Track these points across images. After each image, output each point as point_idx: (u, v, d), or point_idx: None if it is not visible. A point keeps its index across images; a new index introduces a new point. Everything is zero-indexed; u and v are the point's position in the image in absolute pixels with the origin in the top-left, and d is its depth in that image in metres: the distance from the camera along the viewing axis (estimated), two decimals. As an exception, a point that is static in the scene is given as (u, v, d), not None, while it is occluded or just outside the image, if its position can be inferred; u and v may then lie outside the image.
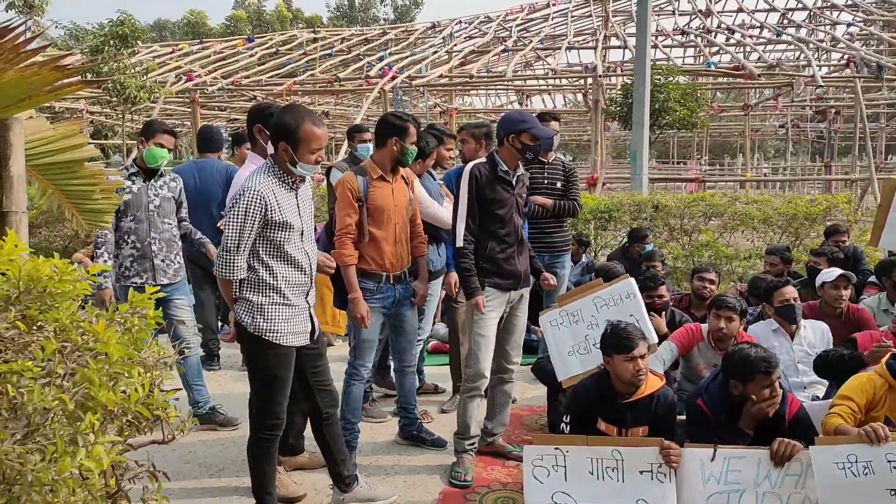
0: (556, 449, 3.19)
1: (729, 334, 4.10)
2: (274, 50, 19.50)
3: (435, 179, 4.80)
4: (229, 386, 5.33)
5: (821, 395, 4.10)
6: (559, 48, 16.54)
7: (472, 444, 3.89)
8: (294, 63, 18.04)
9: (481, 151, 4.71)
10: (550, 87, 21.21)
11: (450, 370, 5.12)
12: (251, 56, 18.43)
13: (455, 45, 17.82)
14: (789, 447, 3.02)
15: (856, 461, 2.86)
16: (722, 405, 3.32)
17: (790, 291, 4.56)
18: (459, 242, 3.76)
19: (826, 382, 4.17)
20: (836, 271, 4.76)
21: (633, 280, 4.20)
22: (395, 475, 3.86)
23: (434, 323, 5.84)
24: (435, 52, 16.83)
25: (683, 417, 3.56)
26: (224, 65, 17.26)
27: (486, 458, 4.02)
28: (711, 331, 4.19)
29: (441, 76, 14.07)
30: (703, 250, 7.95)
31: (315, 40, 20.38)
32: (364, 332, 3.82)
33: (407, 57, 16.15)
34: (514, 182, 3.84)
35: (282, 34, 22.65)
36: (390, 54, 16.95)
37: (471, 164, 3.86)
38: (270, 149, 3.13)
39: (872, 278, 5.57)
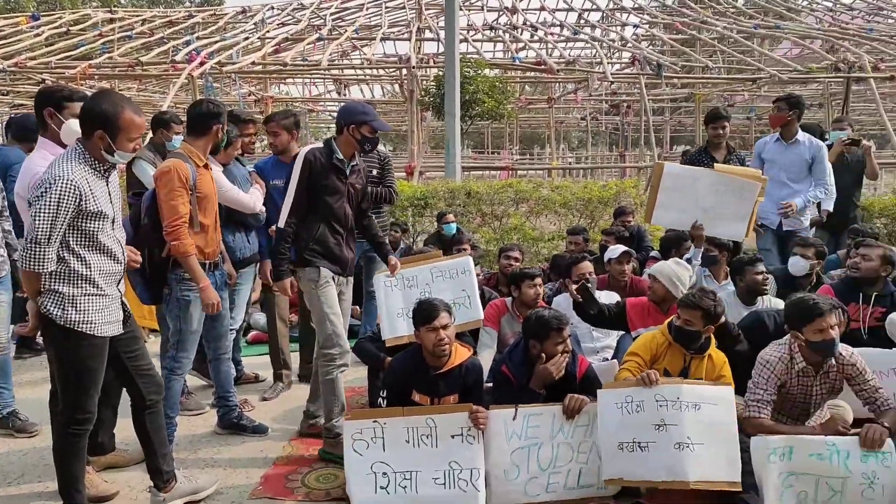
0: (374, 422, 3.35)
1: (536, 299, 4.50)
2: (64, 30, 17.86)
3: (244, 166, 4.74)
4: (26, 391, 4.94)
5: (609, 357, 4.61)
6: (374, 38, 16.69)
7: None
8: (88, 45, 16.66)
9: (293, 142, 4.73)
10: (368, 77, 21.35)
11: (270, 359, 5.11)
12: (37, 36, 16.76)
13: (267, 31, 17.36)
14: (579, 401, 3.41)
15: (632, 401, 3.32)
16: (524, 369, 3.65)
17: (586, 267, 5.09)
18: (281, 224, 3.79)
19: (614, 346, 4.70)
20: (620, 248, 5.35)
21: (470, 258, 4.46)
22: (216, 465, 3.83)
23: (249, 312, 5.79)
24: (246, 39, 16.29)
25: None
26: (5, 45, 15.58)
27: (308, 440, 4.10)
28: (524, 300, 4.56)
29: (254, 63, 13.68)
30: (513, 233, 8.49)
31: (112, 21, 18.92)
32: (191, 323, 3.78)
33: (216, 42, 15.51)
34: (347, 171, 3.90)
35: (73, 12, 20.79)
36: (198, 39, 16.19)
37: (307, 147, 3.87)
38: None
39: (654, 252, 6.29)
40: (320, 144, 3.91)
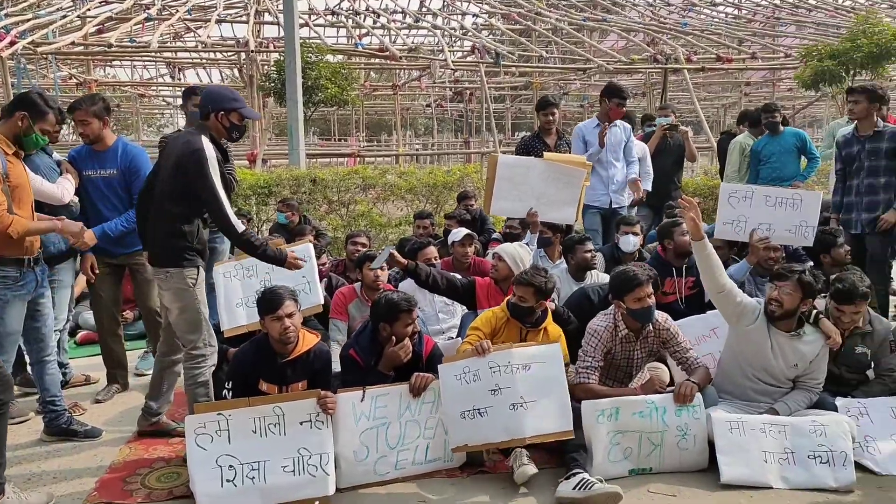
0: (218, 415, 3.27)
1: (382, 283, 4.56)
2: None
3: (50, 156, 4.36)
4: None
5: (454, 337, 4.77)
6: (209, 20, 15.96)
7: None
8: None
9: (105, 129, 4.41)
10: (204, 61, 20.38)
11: (102, 359, 4.81)
12: None
13: (89, 9, 16.09)
14: (424, 380, 3.53)
15: (469, 371, 3.48)
16: (372, 352, 3.70)
17: (431, 251, 5.22)
18: (240, 228, 3.48)
19: (457, 324, 4.88)
20: (463, 231, 5.52)
21: (310, 245, 4.39)
22: (44, 476, 3.57)
23: (76, 311, 5.43)
24: (64, 17, 15.02)
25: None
26: None
27: (147, 440, 3.92)
28: (367, 283, 4.62)
29: (73, 44, 12.65)
30: (360, 220, 8.50)
31: None
32: (8, 324, 3.52)
33: (29, 20, 14.17)
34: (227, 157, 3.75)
35: None
36: (6, 16, 14.71)
37: (198, 138, 3.47)
38: None
39: (496, 235, 6.55)
40: (197, 133, 3.54)
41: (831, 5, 22.82)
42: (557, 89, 21.47)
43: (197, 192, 3.44)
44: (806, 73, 11.27)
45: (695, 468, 3.50)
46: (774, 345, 3.68)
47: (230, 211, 3.48)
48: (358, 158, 16.38)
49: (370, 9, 20.55)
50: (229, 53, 16.71)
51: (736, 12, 23.04)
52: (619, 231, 5.20)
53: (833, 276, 4.04)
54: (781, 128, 6.97)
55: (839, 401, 3.74)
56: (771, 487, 3.32)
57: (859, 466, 3.41)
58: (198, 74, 23.99)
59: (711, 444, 3.46)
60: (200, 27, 16.84)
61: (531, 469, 3.31)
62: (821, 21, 19.97)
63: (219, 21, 16.45)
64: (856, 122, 5.29)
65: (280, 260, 3.60)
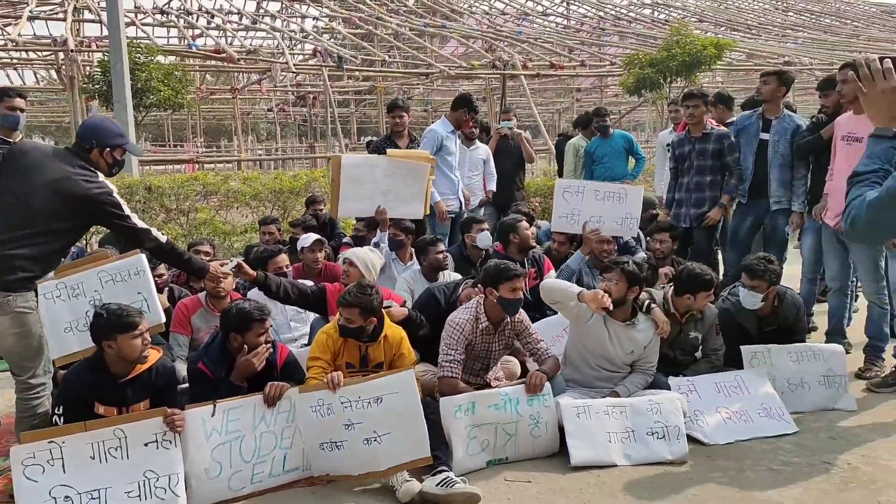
0: (49, 443, 3.00)
1: (215, 287, 4.36)
2: None
3: None
4: None
5: (306, 344, 4.68)
6: (20, 17, 14.57)
7: None
8: None
9: None
10: (16, 61, 18.59)
11: None
12: None
13: None
14: (278, 388, 3.42)
15: (323, 404, 3.39)
16: (222, 363, 3.54)
17: (283, 259, 5.09)
18: (163, 238, 3.54)
19: (308, 331, 4.79)
20: (312, 236, 5.43)
21: (143, 256, 4.08)
22: None
23: None
24: None
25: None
26: None
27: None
28: (211, 292, 4.41)
29: None
30: (202, 228, 8.12)
31: None
32: None
33: None
34: None
35: None
36: None
37: (102, 177, 3.49)
38: None
39: (346, 239, 6.49)
40: (87, 167, 3.47)
41: (648, 17, 24.79)
42: (401, 93, 21.68)
43: (97, 224, 3.53)
44: (629, 80, 12.16)
45: (547, 453, 3.66)
46: (612, 334, 3.94)
47: (144, 224, 3.58)
48: (196, 165, 15.63)
49: (203, 9, 19.68)
50: (45, 53, 15.37)
51: (565, 22, 24.43)
52: (471, 230, 5.34)
53: (693, 266, 4.34)
54: (611, 130, 7.47)
55: (671, 380, 4.06)
56: (615, 465, 3.54)
57: (690, 439, 3.72)
58: (8, 76, 21.86)
59: (561, 430, 3.64)
60: (10, 24, 15.35)
61: (415, 486, 3.28)
62: (640, 32, 21.65)
63: (31, 18, 15.08)
64: (688, 126, 5.77)
65: (203, 271, 3.57)
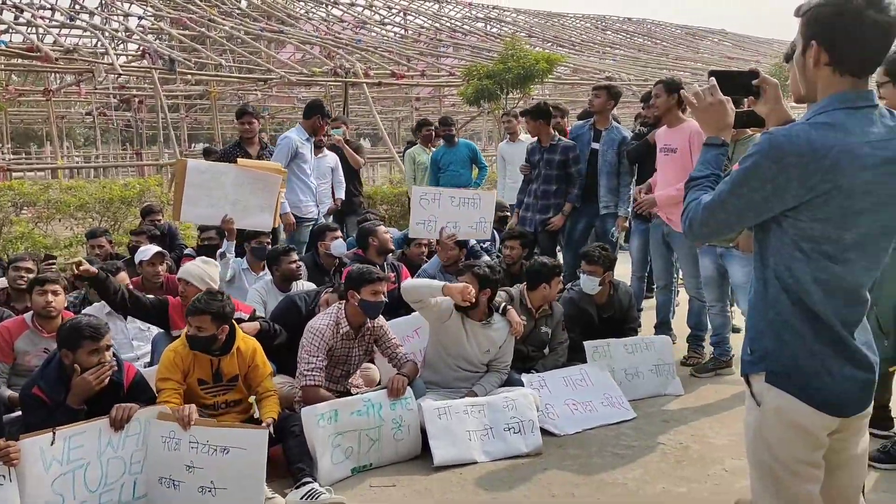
0: None
1: (46, 307, 4.02)
2: None
3: None
4: None
5: (149, 361, 4.42)
6: None
7: None
8: None
9: None
10: None
11: None
12: None
13: None
14: (128, 410, 3.21)
15: (173, 437, 3.22)
16: (61, 386, 3.27)
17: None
18: None
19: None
20: (153, 248, 5.14)
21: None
22: None
23: None
24: None
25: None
26: None
27: None
28: (39, 310, 4.04)
29: None
30: (19, 243, 7.40)
31: None
32: None
33: None
34: None
35: None
36: None
37: None
38: None
39: (188, 250, 6.19)
40: None
41: (482, 31, 25.76)
42: (237, 99, 20.95)
43: None
44: (468, 91, 12.57)
45: (410, 456, 3.73)
46: (469, 334, 4.08)
47: None
48: (4, 173, 14.17)
49: (9, 2, 17.90)
50: None
51: (403, 32, 24.79)
52: (325, 238, 5.29)
53: (540, 258, 4.73)
54: (456, 139, 7.72)
55: (524, 377, 4.28)
56: (476, 462, 3.67)
57: (543, 431, 3.93)
58: None
59: (423, 432, 3.71)
60: None
61: (279, 502, 3.20)
62: (474, 45, 22.44)
63: None
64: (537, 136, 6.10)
65: None
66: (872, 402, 1.84)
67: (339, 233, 5.34)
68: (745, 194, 1.73)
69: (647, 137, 5.45)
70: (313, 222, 6.20)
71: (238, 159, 5.54)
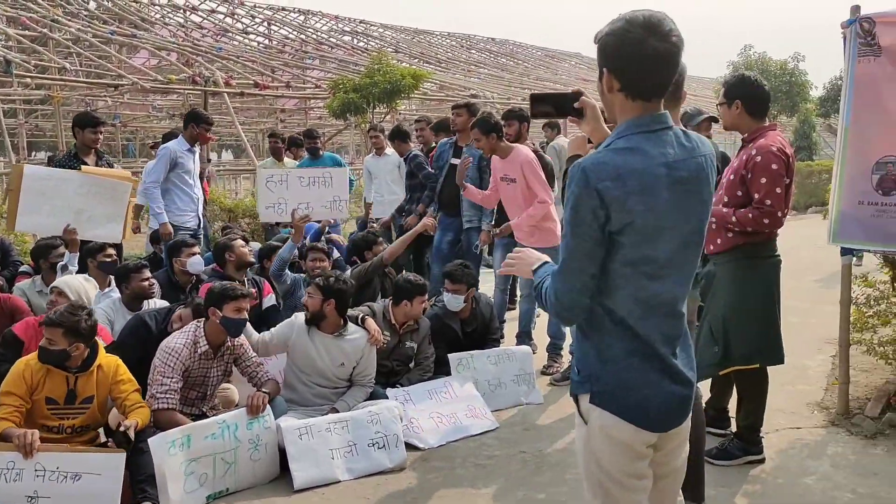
0: None
1: None
2: None
3: None
4: None
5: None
6: None
7: None
8: None
9: None
10: None
11: None
12: None
13: None
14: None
15: (13, 468, 2.94)
16: None
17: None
18: None
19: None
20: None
21: None
22: None
23: None
24: None
25: None
26: None
27: None
28: None
29: None
30: None
31: None
32: None
33: None
34: None
35: None
36: None
37: None
38: None
39: (24, 267, 5.66)
40: None
41: (349, 44, 25.66)
42: (84, 105, 19.57)
43: None
44: (335, 104, 12.45)
45: (268, 478, 3.61)
46: (319, 347, 4.01)
47: None
48: None
49: None
50: None
51: (267, 42, 24.22)
52: (181, 255, 5.01)
53: (406, 275, 4.76)
54: (321, 152, 7.61)
55: (389, 391, 4.25)
56: (339, 481, 3.60)
57: (409, 445, 3.92)
58: None
59: (283, 452, 3.59)
60: None
61: None
62: (341, 58, 22.30)
63: None
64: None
65: None
66: (690, 415, 1.92)
67: (196, 248, 5.08)
68: (583, 231, 1.74)
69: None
70: (192, 232, 5.94)
71: (82, 167, 5.18)
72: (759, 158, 3.41)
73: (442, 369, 4.65)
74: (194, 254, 4.95)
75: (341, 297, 4.03)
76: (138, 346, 3.91)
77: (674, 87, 2.96)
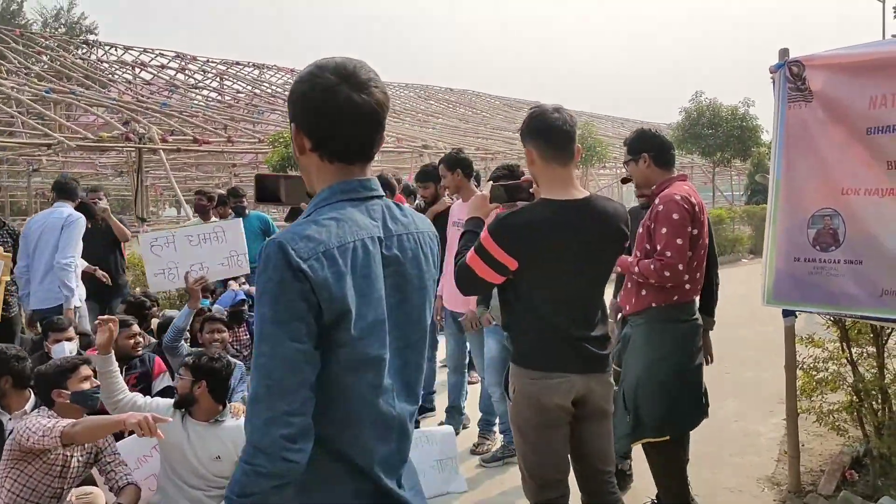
0: None
1: None
2: None
3: None
4: None
5: None
6: None
7: None
8: None
9: None
10: None
11: None
12: None
13: None
14: None
15: None
16: None
17: None
18: None
19: None
20: None
21: None
22: None
23: None
24: None
25: None
26: None
27: None
28: None
29: None
30: None
31: None
32: None
33: None
34: None
35: None
36: None
37: None
38: None
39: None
40: None
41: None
42: (26, 164, 18.95)
43: None
44: (274, 158, 12.06)
45: None
46: (192, 437, 3.36)
47: None
48: None
49: None
50: None
51: (218, 97, 23.95)
52: (48, 339, 4.43)
53: None
54: (247, 211, 7.14)
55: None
56: None
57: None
58: None
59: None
60: None
61: None
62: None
63: None
64: None
65: None
66: None
67: (70, 333, 4.44)
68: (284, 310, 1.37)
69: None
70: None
71: None
72: (661, 208, 3.13)
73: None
74: (59, 340, 4.33)
75: (215, 377, 3.40)
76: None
77: (567, 142, 2.57)
